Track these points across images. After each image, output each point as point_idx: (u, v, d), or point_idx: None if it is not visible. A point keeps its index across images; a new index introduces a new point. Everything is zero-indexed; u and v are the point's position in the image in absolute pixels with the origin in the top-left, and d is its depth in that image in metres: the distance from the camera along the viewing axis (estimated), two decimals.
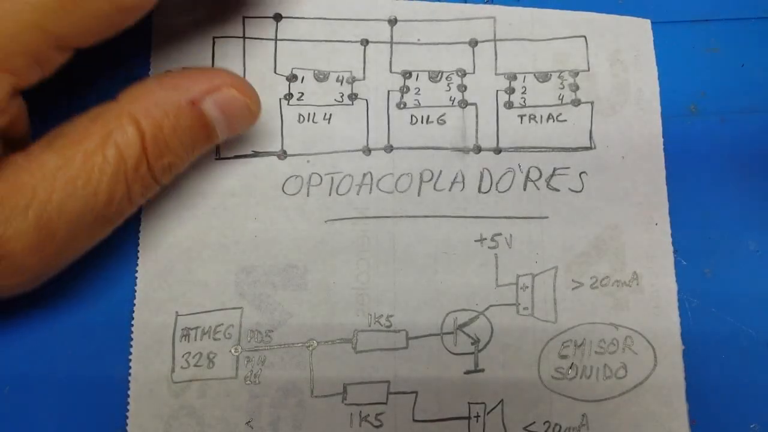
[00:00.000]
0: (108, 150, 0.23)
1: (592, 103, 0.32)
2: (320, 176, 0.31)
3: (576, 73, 0.32)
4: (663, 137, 0.32)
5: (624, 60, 0.32)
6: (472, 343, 0.29)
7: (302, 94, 0.31)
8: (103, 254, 0.30)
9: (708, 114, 0.33)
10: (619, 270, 0.30)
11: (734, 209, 0.32)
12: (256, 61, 0.31)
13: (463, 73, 0.32)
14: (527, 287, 0.30)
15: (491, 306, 0.30)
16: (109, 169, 0.23)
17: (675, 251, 0.31)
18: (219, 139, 0.26)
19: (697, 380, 0.30)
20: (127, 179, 0.23)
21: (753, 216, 0.32)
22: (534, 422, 0.29)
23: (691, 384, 0.30)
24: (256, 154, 0.31)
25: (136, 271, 0.30)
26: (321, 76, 0.31)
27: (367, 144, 0.31)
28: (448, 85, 0.32)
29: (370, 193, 0.30)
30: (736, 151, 0.32)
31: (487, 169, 0.31)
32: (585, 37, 0.32)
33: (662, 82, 0.33)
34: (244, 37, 0.32)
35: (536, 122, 0.31)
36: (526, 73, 0.32)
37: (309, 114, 0.31)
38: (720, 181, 0.32)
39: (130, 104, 0.23)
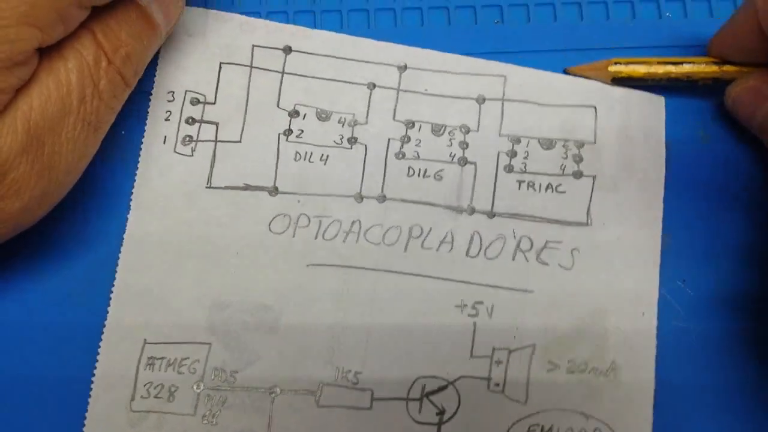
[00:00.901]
0: (67, 54, 0.23)
1: (594, 177, 0.28)
2: (308, 218, 0.28)
3: (581, 144, 0.28)
4: (671, 162, 0.30)
5: (633, 136, 0.28)
6: (437, 414, 0.26)
7: (302, 131, 0.28)
8: (80, 270, 0.29)
9: (716, 139, 0.30)
10: (599, 357, 0.27)
11: (740, 235, 0.30)
12: (260, 92, 0.28)
13: (466, 130, 0.28)
14: (502, 362, 0.27)
15: (462, 377, 0.27)
16: (73, 69, 0.23)
17: (683, 280, 0.29)
18: (161, 26, 0.26)
19: None
20: (92, 75, 0.24)
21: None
22: None
23: None
24: (247, 187, 0.28)
25: (111, 292, 0.26)
26: (323, 116, 0.28)
27: (361, 191, 0.28)
28: (450, 140, 0.28)
29: (356, 242, 0.27)
30: (744, 177, 0.30)
31: (478, 233, 0.27)
32: (595, 107, 0.28)
33: (672, 106, 0.30)
34: (251, 66, 0.29)
35: (534, 190, 0.28)
36: (530, 137, 0.28)
37: (306, 153, 0.28)
38: (726, 207, 0.30)
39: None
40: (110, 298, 0.28)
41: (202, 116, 0.29)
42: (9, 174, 0.22)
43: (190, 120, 0.29)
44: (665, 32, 0.31)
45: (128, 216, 0.28)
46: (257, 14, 0.31)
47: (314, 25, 0.31)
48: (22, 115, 0.22)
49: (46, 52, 0.23)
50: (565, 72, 0.29)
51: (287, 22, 0.31)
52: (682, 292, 0.29)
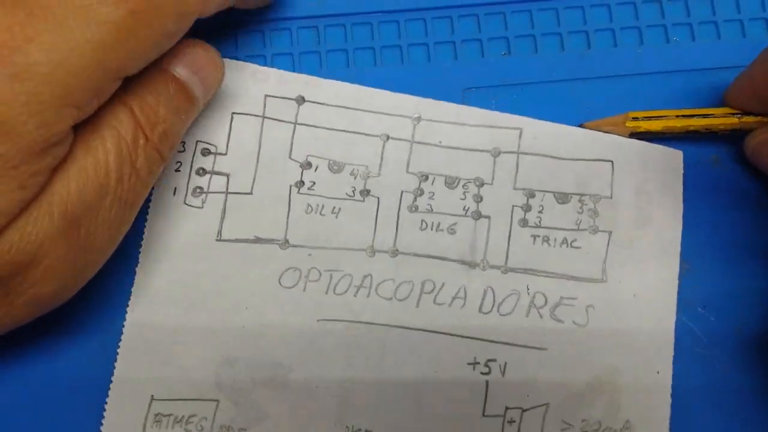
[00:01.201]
0: (105, 132, 0.23)
1: (610, 232, 0.28)
2: (319, 272, 0.27)
3: (598, 199, 0.28)
4: (685, 188, 0.30)
5: (650, 191, 0.28)
6: None
7: (314, 183, 0.28)
8: (87, 324, 0.28)
9: (730, 164, 0.30)
10: (613, 416, 0.26)
11: (760, 261, 0.29)
12: (272, 143, 0.28)
13: (480, 183, 0.28)
14: (515, 422, 0.26)
15: None
16: (112, 149, 0.23)
17: (704, 306, 0.28)
18: (198, 99, 0.26)
19: None
20: (130, 153, 0.23)
21: None
22: None
23: None
24: (257, 240, 0.27)
25: (118, 347, 0.26)
26: (335, 167, 0.28)
27: (373, 245, 0.27)
28: (464, 193, 0.28)
29: (368, 296, 0.27)
30: (760, 201, 0.30)
31: (492, 288, 0.27)
32: (612, 162, 0.28)
33: (683, 131, 0.29)
34: (263, 116, 0.28)
35: (549, 245, 0.27)
36: (545, 191, 0.28)
37: (318, 205, 0.28)
38: (744, 232, 0.30)
39: (117, 93, 0.23)
40: (117, 353, 0.27)
41: (213, 167, 0.28)
42: (43, 261, 0.21)
43: (201, 171, 0.28)
44: (673, 57, 0.31)
45: (137, 269, 0.28)
46: (262, 57, 0.30)
47: (320, 65, 0.30)
48: (60, 199, 0.21)
49: (82, 127, 0.22)
50: (581, 126, 0.29)
51: (292, 63, 0.30)
52: (704, 319, 0.29)
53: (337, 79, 0.30)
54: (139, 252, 0.28)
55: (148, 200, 0.28)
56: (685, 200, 0.29)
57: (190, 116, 0.26)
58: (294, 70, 0.30)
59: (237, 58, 0.30)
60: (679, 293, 0.29)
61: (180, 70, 0.25)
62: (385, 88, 0.30)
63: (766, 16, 0.31)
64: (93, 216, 0.22)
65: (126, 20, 0.21)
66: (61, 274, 0.22)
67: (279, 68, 0.30)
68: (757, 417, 0.28)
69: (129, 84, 0.23)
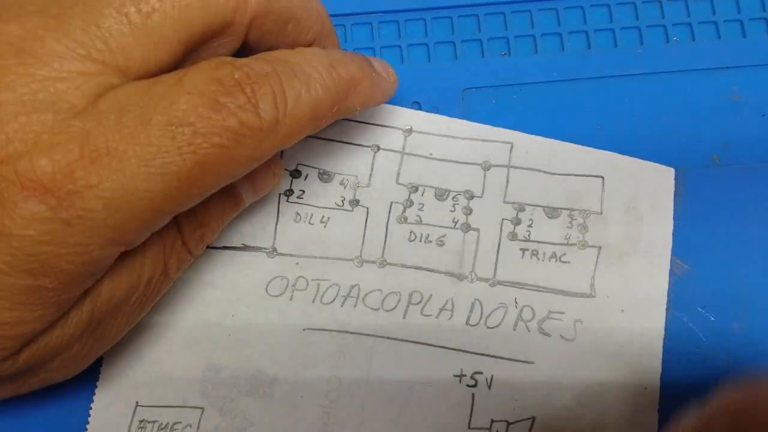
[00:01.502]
0: (146, 241, 0.22)
1: (599, 248, 0.27)
2: (307, 281, 0.27)
3: (587, 214, 0.28)
4: (686, 187, 0.29)
5: (639, 208, 0.28)
6: None
7: (303, 192, 0.28)
8: None
9: (731, 164, 0.30)
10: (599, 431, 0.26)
11: (760, 261, 0.29)
12: None
13: (470, 196, 0.28)
14: None
15: None
16: (149, 254, 0.22)
17: (704, 307, 0.28)
18: (246, 204, 0.26)
19: None
20: (165, 258, 0.23)
21: None
22: None
23: None
24: (245, 248, 0.27)
25: (102, 355, 0.26)
26: (325, 177, 0.28)
27: (361, 255, 0.27)
28: (454, 205, 0.28)
29: (354, 306, 0.27)
30: (761, 201, 0.29)
31: (479, 301, 0.27)
32: (602, 177, 0.28)
33: (685, 131, 0.30)
34: None
35: (538, 259, 0.27)
36: (535, 205, 0.28)
37: (306, 214, 0.28)
38: (745, 232, 0.29)
39: None
40: (102, 359, 0.27)
41: None
42: (61, 354, 0.21)
43: None
44: (673, 57, 0.31)
45: None
46: None
47: None
48: (90, 302, 0.21)
49: None
50: None
51: None
52: (703, 319, 0.29)
53: None
54: None
55: None
56: (684, 199, 0.29)
57: (232, 217, 0.26)
58: None
59: None
60: (678, 293, 0.29)
61: None
62: None
63: (766, 16, 0.31)
64: (116, 313, 0.22)
65: (192, 171, 0.19)
66: (75, 364, 0.23)
67: None
68: None
69: None
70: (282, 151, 0.29)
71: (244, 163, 0.20)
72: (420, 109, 0.30)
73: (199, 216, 0.24)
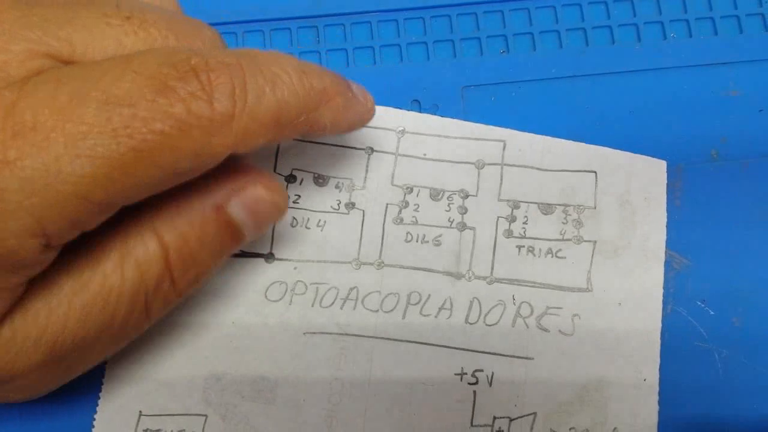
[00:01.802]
0: (127, 270, 0.20)
1: (594, 242, 0.28)
2: (305, 285, 0.27)
3: (582, 209, 0.28)
4: (684, 183, 0.30)
5: (633, 202, 0.28)
6: None
7: (299, 196, 0.28)
8: None
9: (729, 159, 0.30)
10: (600, 425, 0.26)
11: (759, 255, 0.29)
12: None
13: (465, 195, 0.28)
14: (502, 431, 0.26)
15: None
16: (128, 291, 0.20)
17: (703, 301, 0.29)
18: (247, 241, 0.23)
19: None
20: (147, 298, 0.20)
21: None
22: None
23: None
24: (242, 254, 0.27)
25: (106, 363, 0.26)
26: (321, 180, 0.28)
27: (359, 257, 0.27)
28: (449, 205, 0.28)
29: (354, 309, 0.27)
30: (759, 196, 0.30)
31: (477, 299, 0.27)
32: (596, 172, 0.28)
33: (683, 127, 0.30)
34: None
35: (534, 255, 0.28)
36: (530, 202, 0.28)
37: (303, 218, 0.28)
38: (743, 226, 0.29)
39: (152, 214, 0.20)
40: (105, 369, 0.27)
41: None
42: (16, 380, 0.19)
43: None
44: (671, 53, 0.31)
45: None
46: None
47: (320, 65, 0.30)
48: (51, 335, 0.19)
49: (91, 254, 0.20)
50: None
51: None
52: (703, 313, 0.29)
53: None
54: None
55: None
56: (683, 194, 0.30)
57: (230, 254, 0.23)
58: None
59: None
60: (678, 287, 0.29)
61: (236, 211, 0.21)
62: (385, 87, 0.30)
63: (763, 12, 0.31)
64: (84, 350, 0.20)
65: (125, 157, 0.17)
66: (34, 391, 0.21)
67: None
68: (755, 410, 0.28)
69: (162, 207, 0.20)
70: (286, 178, 0.29)
71: (189, 157, 0.18)
72: (419, 107, 0.30)
73: (193, 251, 0.21)
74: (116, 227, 0.20)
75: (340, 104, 0.22)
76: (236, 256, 0.28)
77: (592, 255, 0.29)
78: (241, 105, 0.18)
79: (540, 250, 0.29)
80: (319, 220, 0.29)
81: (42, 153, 0.16)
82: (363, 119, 0.24)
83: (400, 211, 0.29)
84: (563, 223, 0.29)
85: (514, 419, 0.27)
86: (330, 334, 0.28)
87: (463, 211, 0.29)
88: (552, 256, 0.29)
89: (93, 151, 0.17)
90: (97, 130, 0.17)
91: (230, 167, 0.21)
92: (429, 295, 0.28)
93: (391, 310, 0.28)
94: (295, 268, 0.28)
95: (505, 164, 0.29)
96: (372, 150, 0.29)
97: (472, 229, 0.29)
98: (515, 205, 0.29)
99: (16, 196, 0.16)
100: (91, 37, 0.18)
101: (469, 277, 0.28)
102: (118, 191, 0.18)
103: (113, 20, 0.19)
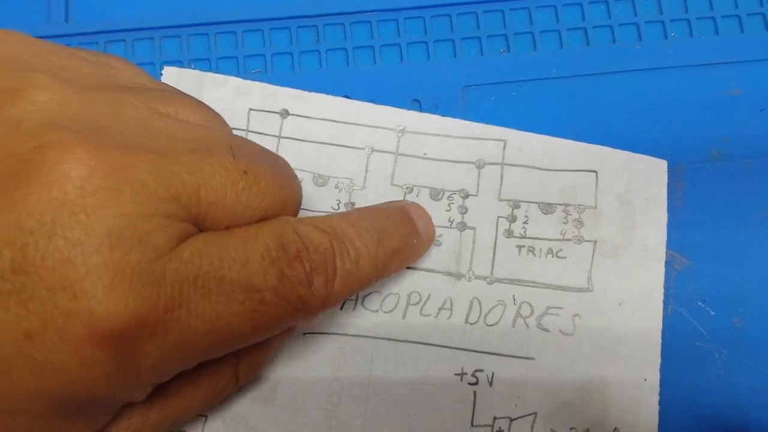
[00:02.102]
0: (200, 389, 0.24)
1: (595, 242, 0.28)
2: None
3: (582, 209, 0.28)
4: (685, 183, 0.30)
5: (633, 202, 0.28)
6: None
7: None
8: None
9: (730, 159, 0.30)
10: (600, 425, 0.26)
11: (760, 255, 0.29)
12: None
13: (465, 195, 0.28)
14: (503, 431, 0.26)
15: None
16: (197, 404, 0.24)
17: (704, 301, 0.29)
18: (295, 333, 0.27)
19: None
20: (213, 397, 0.24)
21: None
22: None
23: None
24: None
25: None
26: (320, 180, 0.28)
27: None
28: (449, 205, 0.28)
29: (353, 309, 0.27)
30: (760, 196, 0.30)
31: (478, 299, 0.27)
32: (596, 172, 0.28)
33: (684, 127, 0.30)
34: (247, 130, 0.28)
35: (534, 255, 0.28)
36: (530, 202, 0.28)
37: None
38: (744, 226, 0.29)
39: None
40: None
41: None
42: None
43: None
44: (672, 53, 0.31)
45: None
46: (261, 56, 0.31)
47: (320, 65, 0.31)
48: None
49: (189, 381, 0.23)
50: None
51: (292, 62, 0.31)
52: (704, 314, 0.29)
53: (337, 79, 0.30)
54: None
55: None
56: (684, 194, 0.29)
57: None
58: (294, 70, 0.31)
59: (236, 58, 0.30)
60: (679, 287, 0.29)
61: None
62: (385, 87, 0.30)
63: (764, 11, 0.31)
64: None
65: (245, 332, 0.21)
66: None
67: (279, 68, 0.31)
68: (755, 410, 0.28)
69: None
70: None
71: (284, 327, 0.21)
72: (419, 107, 0.30)
73: (256, 356, 0.24)
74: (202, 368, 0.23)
75: (407, 255, 0.26)
76: None
77: (593, 255, 0.29)
78: (330, 289, 0.21)
79: (540, 250, 0.29)
80: None
81: (185, 328, 0.18)
82: (422, 254, 0.28)
83: None
84: (563, 223, 0.29)
85: (514, 419, 0.27)
86: (330, 334, 0.28)
87: (464, 210, 0.29)
88: (552, 256, 0.29)
89: (225, 328, 0.19)
90: (232, 311, 0.19)
91: None
92: (429, 295, 0.28)
93: (391, 311, 0.28)
94: None
95: (505, 164, 0.29)
96: (372, 149, 0.29)
97: (473, 228, 0.29)
98: (515, 204, 0.29)
99: (154, 362, 0.19)
100: (215, 195, 0.20)
101: (470, 277, 0.28)
102: (223, 353, 0.21)
103: (232, 174, 0.20)
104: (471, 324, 0.28)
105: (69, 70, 0.21)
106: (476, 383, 0.28)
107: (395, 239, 0.25)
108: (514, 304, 0.28)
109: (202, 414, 0.27)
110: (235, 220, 0.21)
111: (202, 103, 0.24)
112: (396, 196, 0.29)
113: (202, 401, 0.23)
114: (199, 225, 0.20)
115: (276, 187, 0.22)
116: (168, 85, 0.25)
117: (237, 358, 0.24)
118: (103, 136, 0.19)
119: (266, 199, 0.21)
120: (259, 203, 0.21)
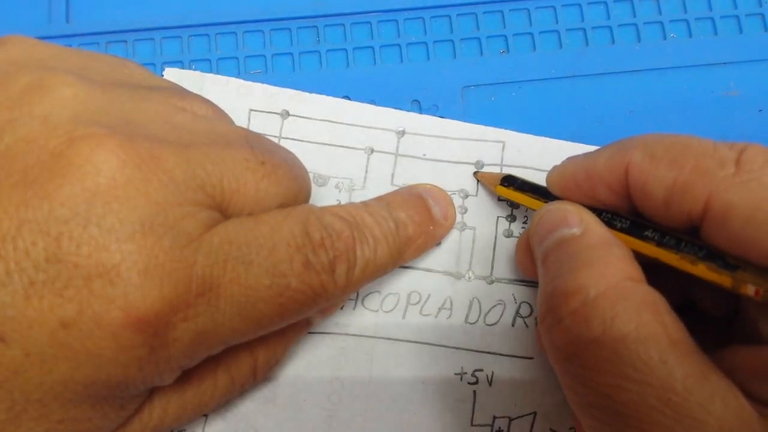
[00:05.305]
0: (220, 379, 0.24)
1: None
2: None
3: None
4: None
5: None
6: None
7: None
8: None
9: None
10: None
11: None
12: None
13: (465, 195, 0.28)
14: (503, 431, 0.26)
15: None
16: (219, 395, 0.24)
17: None
18: (313, 327, 0.27)
19: None
20: (233, 394, 0.25)
21: None
22: None
23: None
24: None
25: None
26: (320, 180, 0.28)
27: None
28: None
29: (354, 309, 0.27)
30: None
31: (477, 299, 0.27)
32: None
33: (682, 127, 0.30)
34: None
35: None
36: None
37: None
38: None
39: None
40: None
41: None
42: None
43: None
44: (671, 53, 0.31)
45: None
46: (262, 57, 0.31)
47: (320, 65, 0.31)
48: (153, 427, 0.22)
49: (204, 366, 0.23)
50: (475, 175, 0.30)
51: (292, 62, 0.31)
52: None
53: (337, 79, 0.31)
54: None
55: None
56: None
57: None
58: (294, 70, 0.31)
59: (237, 59, 0.30)
60: None
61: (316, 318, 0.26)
62: (385, 87, 0.31)
63: (763, 12, 0.31)
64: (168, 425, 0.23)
65: (271, 316, 0.21)
66: None
67: (279, 68, 0.31)
68: None
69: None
70: None
71: (307, 312, 0.22)
72: (419, 107, 0.30)
73: (276, 355, 0.25)
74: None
75: (422, 243, 0.26)
76: None
77: None
78: (351, 277, 0.22)
79: None
80: None
81: (214, 311, 0.19)
82: (440, 239, 0.28)
83: None
84: None
85: (514, 419, 0.27)
86: (330, 334, 0.28)
87: (463, 210, 0.29)
88: None
89: (253, 313, 0.20)
90: (260, 296, 0.20)
91: None
92: (429, 295, 0.28)
93: (391, 310, 0.28)
94: None
95: (504, 165, 0.29)
96: (372, 150, 0.29)
97: (472, 228, 0.29)
98: (515, 204, 0.29)
99: (184, 345, 0.19)
100: (237, 183, 0.21)
101: (469, 277, 0.28)
102: (248, 338, 0.21)
103: (251, 164, 0.21)
104: (471, 324, 0.28)
105: (88, 69, 0.22)
106: (476, 383, 0.28)
107: (410, 228, 0.25)
108: (514, 303, 0.28)
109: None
110: (255, 208, 0.21)
111: (210, 101, 0.24)
112: None
113: (222, 394, 0.24)
114: (223, 212, 0.21)
115: (291, 178, 0.22)
116: (177, 83, 0.26)
117: (256, 352, 0.24)
118: (131, 130, 0.19)
119: (282, 187, 0.22)
120: (277, 191, 0.22)
